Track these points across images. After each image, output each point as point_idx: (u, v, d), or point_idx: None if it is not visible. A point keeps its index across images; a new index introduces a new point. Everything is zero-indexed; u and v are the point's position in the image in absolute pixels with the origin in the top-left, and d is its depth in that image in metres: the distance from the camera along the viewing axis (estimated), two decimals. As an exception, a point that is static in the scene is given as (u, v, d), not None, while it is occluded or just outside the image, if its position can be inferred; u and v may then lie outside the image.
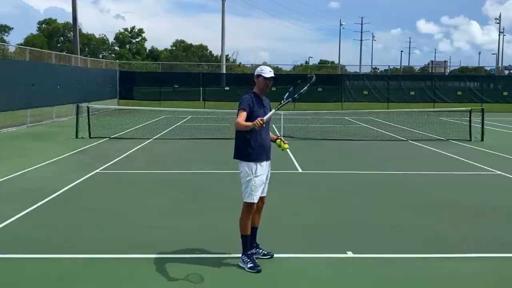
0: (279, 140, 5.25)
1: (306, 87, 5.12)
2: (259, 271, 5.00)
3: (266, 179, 5.26)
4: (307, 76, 5.15)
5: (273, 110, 5.06)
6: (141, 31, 77.45)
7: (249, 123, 4.90)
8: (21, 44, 49.23)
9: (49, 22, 70.89)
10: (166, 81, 35.62)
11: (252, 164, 5.08)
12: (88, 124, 16.30)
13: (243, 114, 4.99)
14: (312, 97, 35.06)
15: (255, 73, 5.21)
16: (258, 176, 5.09)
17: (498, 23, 76.50)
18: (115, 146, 14.17)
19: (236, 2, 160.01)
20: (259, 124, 4.79)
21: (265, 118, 4.89)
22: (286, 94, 5.13)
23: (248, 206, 5.13)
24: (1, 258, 5.37)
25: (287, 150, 5.30)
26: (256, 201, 5.11)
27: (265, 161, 5.18)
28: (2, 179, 9.41)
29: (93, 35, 72.90)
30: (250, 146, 5.09)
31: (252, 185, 5.06)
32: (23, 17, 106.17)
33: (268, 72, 5.15)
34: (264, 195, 5.28)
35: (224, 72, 44.36)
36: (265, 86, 5.17)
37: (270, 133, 5.35)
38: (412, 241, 6.10)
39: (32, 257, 5.39)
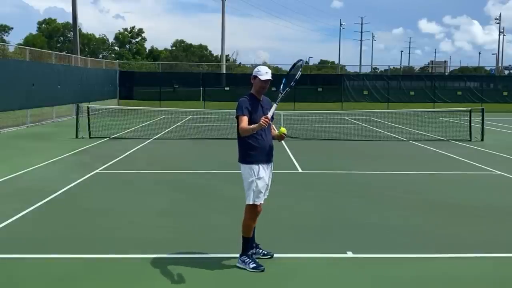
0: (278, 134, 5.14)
1: (299, 72, 5.08)
2: (263, 271, 4.99)
3: (269, 181, 5.18)
4: (295, 63, 5.14)
5: (274, 105, 4.96)
6: (141, 31, 77.47)
7: (255, 125, 4.82)
8: (21, 44, 49.23)
9: (49, 22, 70.82)
10: (166, 81, 35.65)
11: (254, 166, 5.02)
12: (88, 124, 16.31)
13: (245, 119, 4.92)
14: (312, 97, 35.19)
15: (252, 74, 5.12)
16: (261, 178, 5.02)
17: (498, 23, 76.61)
18: (115, 146, 14.17)
19: (236, 2, 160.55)
20: (264, 123, 4.72)
21: (269, 114, 4.81)
22: (281, 86, 5.05)
23: (252, 208, 5.06)
24: (1, 258, 5.37)
25: (284, 137, 5.12)
26: (259, 203, 5.04)
27: (267, 163, 5.12)
28: (2, 179, 9.40)
29: (93, 35, 72.89)
30: (251, 148, 5.03)
31: (254, 187, 5.00)
32: (23, 17, 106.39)
33: (265, 74, 5.00)
34: (265, 197, 5.22)
35: (224, 72, 44.43)
36: (262, 88, 5.06)
37: (272, 130, 5.25)
38: (412, 241, 6.09)
39: (32, 257, 5.38)
